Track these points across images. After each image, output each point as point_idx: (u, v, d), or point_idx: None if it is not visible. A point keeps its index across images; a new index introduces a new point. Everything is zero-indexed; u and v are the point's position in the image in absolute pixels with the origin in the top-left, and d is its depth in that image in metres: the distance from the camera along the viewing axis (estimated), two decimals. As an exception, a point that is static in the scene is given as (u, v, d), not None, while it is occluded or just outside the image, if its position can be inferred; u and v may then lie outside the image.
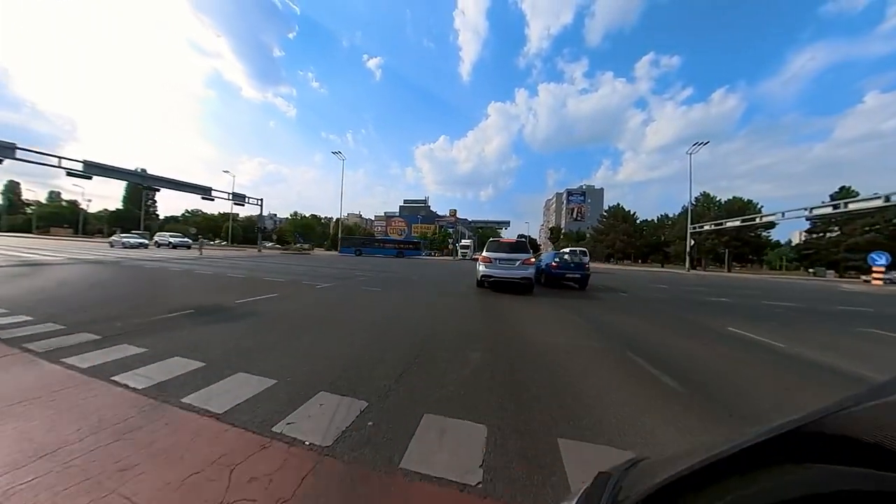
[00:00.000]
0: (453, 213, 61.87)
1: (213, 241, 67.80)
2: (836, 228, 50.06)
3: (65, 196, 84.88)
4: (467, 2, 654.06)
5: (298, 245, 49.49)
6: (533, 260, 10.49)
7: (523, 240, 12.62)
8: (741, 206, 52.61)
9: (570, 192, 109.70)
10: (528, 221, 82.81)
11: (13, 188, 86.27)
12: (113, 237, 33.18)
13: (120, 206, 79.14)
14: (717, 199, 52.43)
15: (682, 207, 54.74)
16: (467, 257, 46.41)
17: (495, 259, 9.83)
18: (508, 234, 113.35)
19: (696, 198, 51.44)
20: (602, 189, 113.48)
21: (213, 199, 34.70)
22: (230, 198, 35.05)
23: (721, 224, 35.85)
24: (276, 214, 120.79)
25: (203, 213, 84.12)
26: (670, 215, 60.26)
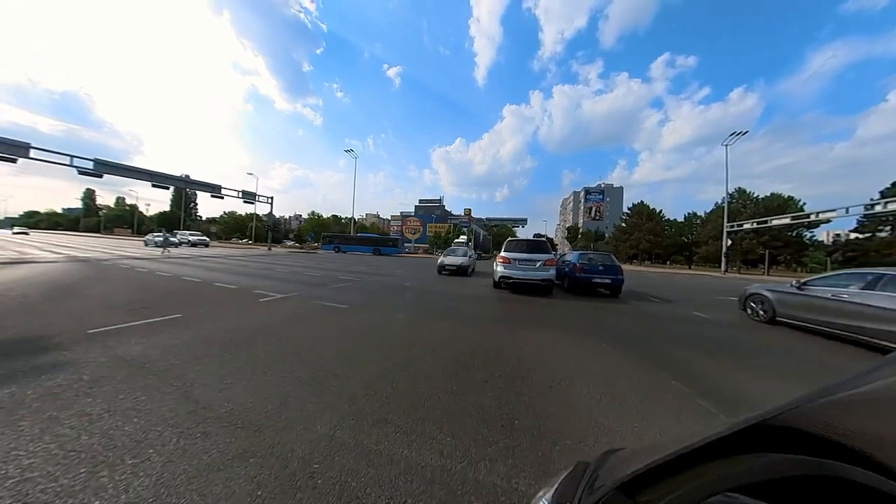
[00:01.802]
0: (467, 211, 58.79)
1: (241, 239, 72.74)
2: (887, 228, 43.83)
3: (129, 201, 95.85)
4: (482, 10, 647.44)
5: (313, 244, 48.03)
6: (556, 261, 9.62)
7: (543, 239, 11.80)
8: (780, 204, 46.95)
9: (587, 191, 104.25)
10: (545, 220, 78.84)
11: (89, 195, 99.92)
12: (147, 236, 33.94)
13: (167, 209, 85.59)
14: (755, 195, 46.96)
15: (715, 204, 49.52)
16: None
17: (514, 259, 9.01)
18: (525, 233, 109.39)
19: (729, 194, 46.31)
20: (621, 188, 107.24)
21: (222, 198, 33.30)
22: (239, 196, 33.45)
23: (765, 222, 31.20)
24: (301, 215, 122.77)
25: (236, 213, 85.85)
26: (699, 214, 54.92)
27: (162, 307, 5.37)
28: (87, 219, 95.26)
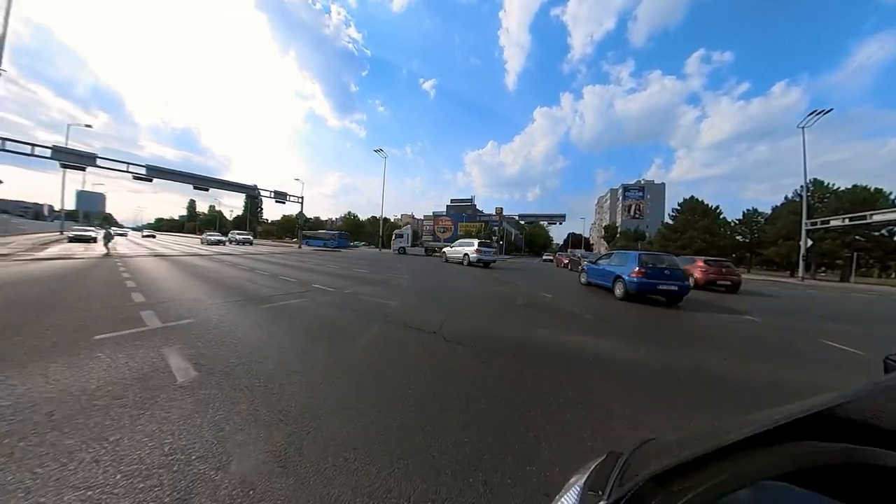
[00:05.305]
0: (499, 210, 54.65)
1: (293, 238, 73.93)
2: None
3: (218, 207, 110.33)
4: (511, 21, 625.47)
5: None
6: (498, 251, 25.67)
7: (489, 240, 26.28)
8: (867, 198, 37.58)
9: (626, 188, 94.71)
10: (583, 217, 71.91)
11: (192, 205, 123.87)
12: (203, 235, 35.78)
13: (239, 213, 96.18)
14: (835, 186, 37.99)
15: (785, 198, 40.92)
16: (395, 250, 34.10)
17: (483, 250, 18.49)
18: (562, 230, 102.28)
19: (800, 186, 37.91)
20: (663, 184, 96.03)
21: (257, 197, 33.15)
22: (271, 195, 32.66)
23: (863, 218, 24.14)
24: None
25: (292, 216, 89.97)
26: (760, 210, 46.13)
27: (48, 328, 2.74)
28: (189, 223, 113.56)
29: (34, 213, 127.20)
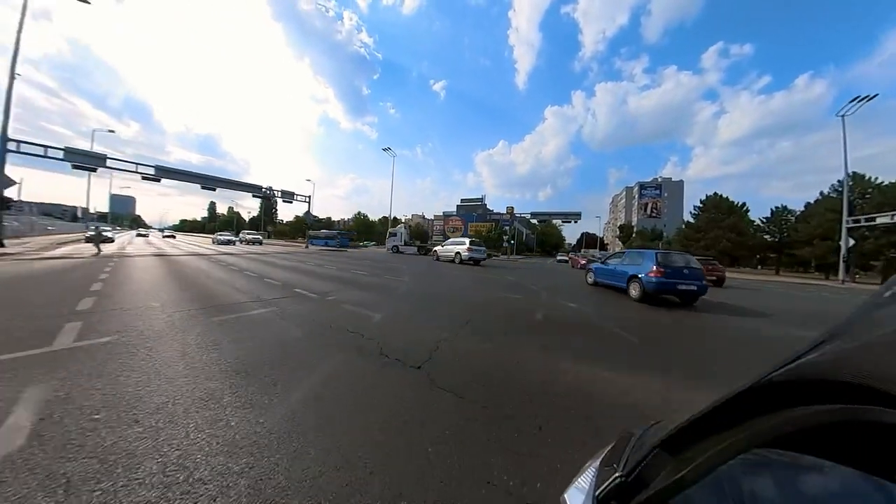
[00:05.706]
0: (510, 210, 53.07)
1: (303, 238, 75.20)
2: None
3: (236, 209, 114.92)
4: (520, 20, 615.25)
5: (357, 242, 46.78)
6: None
7: (479, 240, 24.94)
8: (914, 193, 34.17)
9: (642, 186, 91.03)
10: (598, 216, 69.45)
11: (212, 207, 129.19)
12: (214, 235, 36.18)
13: (256, 214, 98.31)
14: (878, 181, 34.69)
15: (821, 194, 37.74)
16: (388, 248, 33.87)
17: (473, 248, 19.75)
18: (575, 229, 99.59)
19: (839, 181, 34.76)
20: (681, 182, 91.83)
21: (264, 197, 32.99)
22: (279, 195, 32.44)
23: (916, 215, 21.61)
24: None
25: (300, 216, 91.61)
26: (791, 208, 42.84)
27: None
28: (209, 224, 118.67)
29: (72, 215, 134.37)
